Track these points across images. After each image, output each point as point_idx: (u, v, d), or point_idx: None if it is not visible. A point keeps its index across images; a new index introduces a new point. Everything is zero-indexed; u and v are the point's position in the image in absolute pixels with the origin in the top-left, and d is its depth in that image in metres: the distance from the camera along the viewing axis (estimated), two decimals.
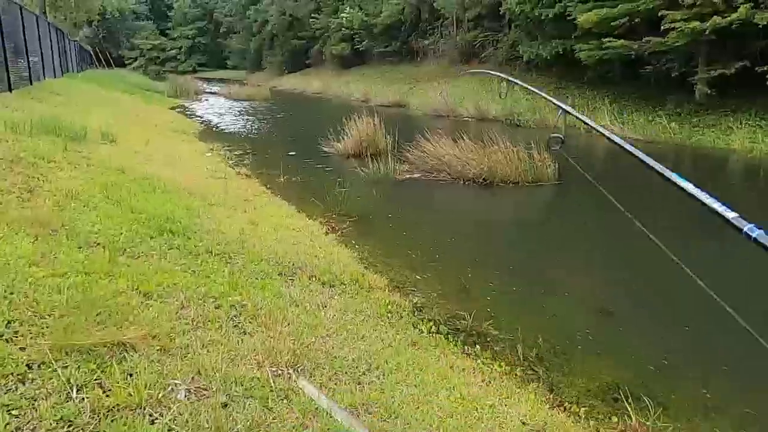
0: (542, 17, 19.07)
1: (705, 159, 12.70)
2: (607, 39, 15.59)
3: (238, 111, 23.64)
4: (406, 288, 4.95)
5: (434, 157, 9.63)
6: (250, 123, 19.72)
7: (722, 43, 13.94)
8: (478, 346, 3.90)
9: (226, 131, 16.77)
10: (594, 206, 8.52)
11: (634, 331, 4.43)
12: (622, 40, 15.31)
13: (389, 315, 4.11)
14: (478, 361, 3.70)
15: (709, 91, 14.33)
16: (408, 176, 9.64)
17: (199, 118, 19.99)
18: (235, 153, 11.97)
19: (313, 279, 4.51)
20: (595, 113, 16.85)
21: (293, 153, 12.57)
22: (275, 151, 12.69)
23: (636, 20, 15.24)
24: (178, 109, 22.27)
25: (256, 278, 4.08)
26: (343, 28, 38.24)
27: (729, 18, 13.07)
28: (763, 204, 8.64)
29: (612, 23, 15.66)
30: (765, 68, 13.07)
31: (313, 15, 42.74)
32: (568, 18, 17.49)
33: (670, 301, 4.82)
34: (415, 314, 4.32)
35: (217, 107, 25.42)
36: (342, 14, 38.00)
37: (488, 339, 4.07)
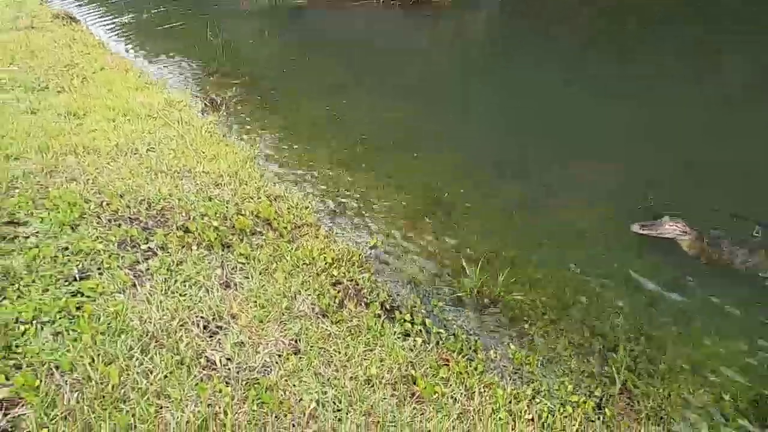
0: None
1: None
2: None
3: None
4: (349, 214, 3.05)
5: None
6: None
7: None
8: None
9: None
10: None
11: None
12: None
13: (338, 307, 2.25)
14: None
15: None
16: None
17: None
18: None
19: (189, 237, 2.48)
20: None
21: None
22: None
23: None
24: None
25: (58, 287, 2.01)
26: None
27: None
28: None
29: None
30: None
31: None
32: None
33: None
34: (390, 298, 2.47)
35: None
36: None
37: (524, 321, 2.36)
